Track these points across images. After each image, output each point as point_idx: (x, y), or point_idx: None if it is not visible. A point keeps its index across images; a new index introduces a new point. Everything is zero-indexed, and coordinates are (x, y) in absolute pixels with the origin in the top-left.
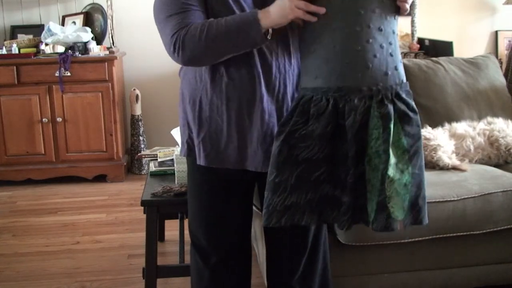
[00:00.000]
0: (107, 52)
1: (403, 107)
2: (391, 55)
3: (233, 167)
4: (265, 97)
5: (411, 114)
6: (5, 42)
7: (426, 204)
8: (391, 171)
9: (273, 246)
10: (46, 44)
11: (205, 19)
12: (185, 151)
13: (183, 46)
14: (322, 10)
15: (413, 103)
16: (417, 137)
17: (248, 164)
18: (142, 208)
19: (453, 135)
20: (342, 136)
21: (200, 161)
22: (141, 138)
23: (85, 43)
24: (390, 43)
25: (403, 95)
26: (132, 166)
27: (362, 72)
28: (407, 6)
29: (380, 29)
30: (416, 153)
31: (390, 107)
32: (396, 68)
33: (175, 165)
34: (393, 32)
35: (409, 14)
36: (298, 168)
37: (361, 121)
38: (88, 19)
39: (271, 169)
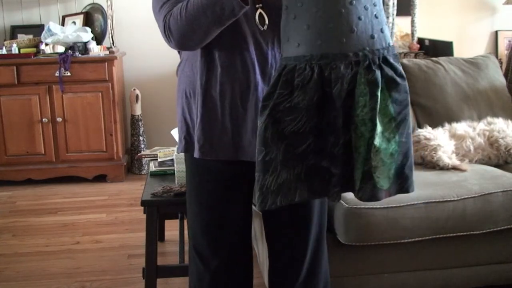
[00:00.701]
0: (107, 52)
1: (390, 72)
2: (376, 16)
3: (227, 158)
4: (260, 85)
5: (398, 79)
6: (5, 42)
7: (413, 172)
8: (377, 141)
9: (274, 248)
10: (46, 44)
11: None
12: (182, 147)
13: (170, 30)
14: None
15: (400, 68)
16: (405, 103)
17: (243, 154)
18: (142, 208)
19: (453, 135)
20: (328, 105)
21: (196, 153)
22: (141, 138)
23: (85, 43)
24: (375, 4)
25: (391, 60)
26: (132, 166)
27: (346, 36)
28: None
29: None
30: (404, 121)
31: (378, 73)
32: (382, 31)
33: (175, 165)
34: None
35: (409, 14)
36: (283, 141)
37: (348, 87)
38: (88, 19)
39: (259, 147)
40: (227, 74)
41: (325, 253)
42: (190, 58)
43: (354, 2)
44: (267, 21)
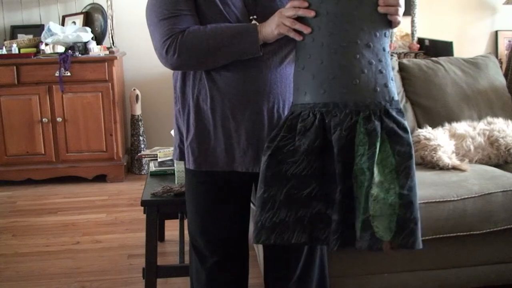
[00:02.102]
0: (107, 52)
1: (391, 124)
2: (380, 72)
3: (222, 169)
4: (252, 100)
5: (400, 132)
6: (5, 42)
7: (419, 227)
8: (374, 190)
9: (269, 248)
10: (46, 44)
11: (198, 25)
12: (177, 155)
13: (179, 51)
14: (307, 29)
15: (404, 122)
16: (407, 156)
17: (238, 165)
18: (142, 208)
19: (453, 135)
20: (330, 151)
21: (190, 165)
22: (141, 138)
23: (85, 43)
24: (380, 60)
25: (393, 113)
26: (132, 166)
27: (348, 87)
28: (399, 18)
29: (368, 46)
30: (405, 173)
31: (377, 124)
32: (386, 85)
33: (175, 165)
34: (384, 50)
35: (409, 14)
36: (287, 184)
37: (348, 136)
38: (88, 19)
39: (259, 185)
40: (217, 88)
41: (324, 252)
42: (184, 72)
43: (358, 56)
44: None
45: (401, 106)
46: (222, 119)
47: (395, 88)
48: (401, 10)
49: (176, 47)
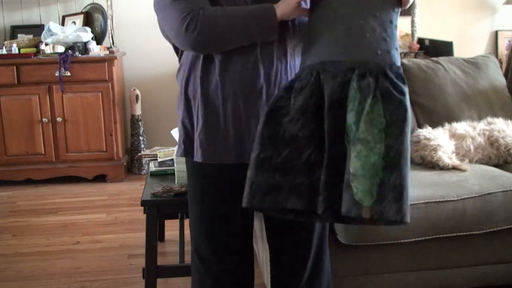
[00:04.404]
0: (107, 52)
1: (387, 84)
2: (384, 39)
3: (230, 161)
4: (265, 88)
5: (396, 93)
6: (5, 42)
7: (405, 198)
8: (358, 146)
9: (276, 251)
10: (46, 44)
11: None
12: (181, 151)
13: (201, 27)
14: None
15: (402, 86)
16: (401, 118)
17: (247, 158)
18: (142, 208)
19: (453, 135)
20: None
21: (198, 157)
22: (141, 138)
23: (85, 43)
24: (385, 30)
25: (391, 75)
26: (132, 166)
27: (347, 48)
28: None
29: (375, 16)
30: (394, 135)
31: (371, 81)
32: (388, 52)
33: (175, 165)
34: (391, 22)
35: (409, 14)
36: (286, 148)
37: (341, 93)
38: (88, 19)
39: (255, 145)
40: (230, 78)
41: (327, 252)
42: (190, 62)
43: (362, 21)
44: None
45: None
46: (233, 110)
47: (399, 58)
48: None
49: (198, 23)
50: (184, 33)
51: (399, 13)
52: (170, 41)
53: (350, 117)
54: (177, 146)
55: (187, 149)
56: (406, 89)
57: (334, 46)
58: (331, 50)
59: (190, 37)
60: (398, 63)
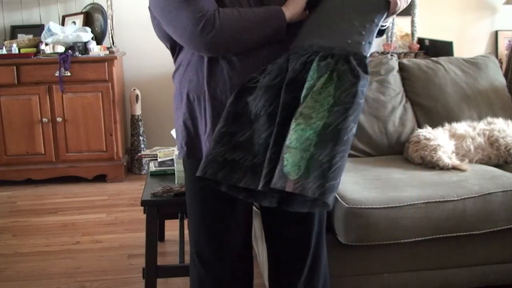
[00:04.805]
0: (107, 52)
1: (344, 67)
2: (360, 33)
3: None
4: None
5: (351, 77)
6: (5, 42)
7: (332, 179)
8: (299, 119)
9: (275, 249)
10: (46, 44)
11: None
12: (184, 153)
13: (218, 29)
14: None
15: (360, 72)
16: (348, 101)
17: None
18: (142, 208)
19: (453, 135)
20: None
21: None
22: (141, 138)
23: (85, 43)
24: (364, 26)
25: (353, 61)
26: (132, 166)
27: (322, 34)
28: (399, 2)
29: (357, 11)
30: (336, 115)
31: (330, 62)
32: (359, 43)
33: (175, 165)
34: (373, 21)
35: (409, 14)
36: (251, 127)
37: (301, 73)
38: (88, 19)
39: (220, 120)
40: (239, 77)
41: (324, 249)
42: (193, 63)
43: (346, 17)
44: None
45: (402, 105)
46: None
47: (370, 51)
48: None
49: (215, 24)
50: (199, 35)
51: (384, 16)
52: (165, 42)
53: (303, 93)
54: (177, 147)
55: (189, 150)
56: (364, 76)
57: (311, 33)
58: (308, 36)
59: (206, 38)
60: (367, 55)
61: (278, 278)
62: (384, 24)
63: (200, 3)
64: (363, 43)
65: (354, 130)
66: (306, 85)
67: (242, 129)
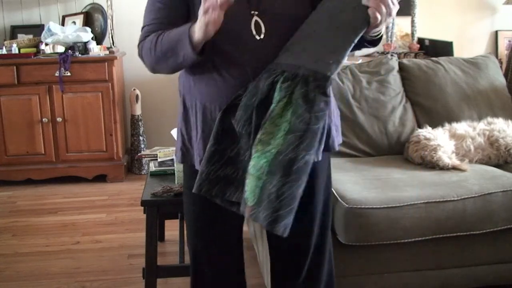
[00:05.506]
0: (107, 52)
1: (303, 90)
2: (333, 52)
3: None
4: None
5: (305, 102)
6: (5, 42)
7: (280, 211)
8: (258, 145)
9: (275, 248)
10: (46, 44)
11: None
12: (180, 157)
13: (142, 58)
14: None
15: (316, 97)
16: (300, 128)
17: None
18: (142, 208)
19: (453, 135)
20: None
21: (198, 165)
22: (141, 138)
23: (85, 43)
24: (338, 45)
25: (311, 84)
26: (132, 166)
27: (293, 52)
28: (379, 16)
29: (336, 29)
30: (290, 143)
31: (291, 84)
32: (328, 63)
33: (175, 165)
34: (350, 40)
35: (409, 14)
36: (238, 142)
37: (268, 94)
38: (88, 19)
39: (210, 140)
40: (227, 88)
41: (327, 252)
42: (190, 71)
43: (322, 32)
44: (263, 29)
45: (402, 105)
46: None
47: (337, 70)
48: (384, 10)
49: (141, 55)
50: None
51: (363, 32)
52: None
53: (265, 117)
54: (173, 149)
55: (184, 156)
56: (321, 100)
57: (287, 51)
58: (284, 54)
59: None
60: (330, 74)
61: (278, 277)
62: (373, 35)
63: (147, 30)
64: (331, 61)
65: (308, 158)
66: (270, 108)
67: (232, 144)
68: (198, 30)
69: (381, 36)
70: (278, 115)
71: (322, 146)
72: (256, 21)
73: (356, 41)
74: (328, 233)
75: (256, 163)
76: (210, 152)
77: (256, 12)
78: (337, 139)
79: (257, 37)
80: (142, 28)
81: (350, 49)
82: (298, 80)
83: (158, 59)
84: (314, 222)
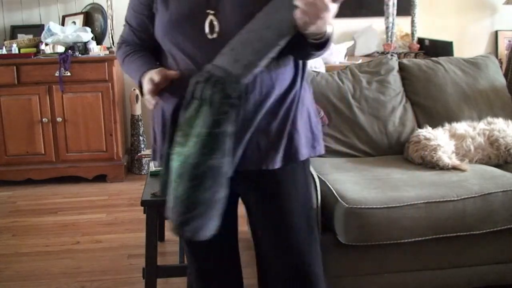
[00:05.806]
0: (107, 52)
1: (208, 93)
2: (255, 53)
3: None
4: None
5: (207, 106)
6: (5, 42)
7: (184, 215)
8: (176, 147)
9: (257, 243)
10: (46, 44)
11: (130, 46)
12: (153, 155)
13: (118, 57)
14: (171, 74)
15: (216, 101)
16: (201, 132)
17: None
18: (142, 208)
19: (453, 135)
20: None
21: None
22: (141, 138)
23: (85, 43)
24: (263, 48)
25: (218, 86)
26: (132, 166)
27: (222, 53)
28: (305, 17)
29: (267, 28)
30: (191, 146)
31: (203, 87)
32: (245, 64)
33: None
34: (277, 43)
35: (409, 14)
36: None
37: (192, 94)
38: (88, 19)
39: (164, 141)
40: (178, 88)
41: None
42: (160, 62)
43: (250, 34)
44: (217, 29)
45: (402, 105)
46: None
47: (251, 72)
48: (311, 10)
49: (116, 52)
50: None
51: (290, 34)
52: None
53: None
54: None
55: (154, 153)
56: (221, 104)
57: (222, 51)
58: (219, 54)
59: None
60: (243, 78)
61: (263, 278)
62: (315, 38)
63: (123, 31)
64: (246, 63)
65: (211, 163)
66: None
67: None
68: (144, 84)
69: (326, 40)
70: (193, 117)
71: (241, 151)
72: (211, 20)
73: (282, 43)
74: (314, 245)
75: (173, 166)
76: (166, 155)
77: (212, 12)
78: (306, 149)
79: (209, 36)
80: (125, 23)
81: (275, 52)
82: (212, 81)
83: (125, 71)
84: (292, 216)
